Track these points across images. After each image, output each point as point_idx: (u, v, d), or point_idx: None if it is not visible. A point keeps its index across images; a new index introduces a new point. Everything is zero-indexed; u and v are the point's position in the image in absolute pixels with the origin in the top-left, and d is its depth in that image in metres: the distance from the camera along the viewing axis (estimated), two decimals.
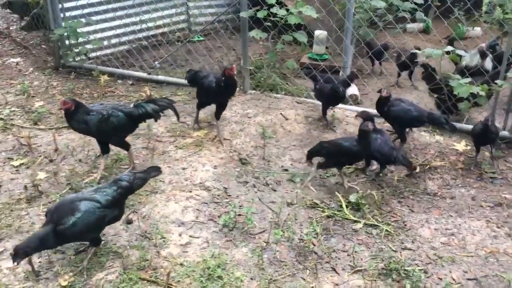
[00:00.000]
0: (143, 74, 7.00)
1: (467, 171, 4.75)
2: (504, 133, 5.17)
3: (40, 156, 4.94)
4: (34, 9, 7.96)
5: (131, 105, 4.66)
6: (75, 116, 4.29)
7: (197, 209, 4.17)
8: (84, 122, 4.30)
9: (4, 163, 4.83)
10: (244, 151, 5.02)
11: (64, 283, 3.33)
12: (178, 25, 8.70)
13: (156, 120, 4.71)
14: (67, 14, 7.21)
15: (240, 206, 4.17)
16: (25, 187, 4.36)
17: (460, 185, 4.55)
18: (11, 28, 9.42)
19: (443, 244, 3.81)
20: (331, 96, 5.42)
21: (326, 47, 7.75)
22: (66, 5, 7.21)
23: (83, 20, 7.06)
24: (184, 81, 6.73)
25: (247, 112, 5.78)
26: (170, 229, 3.92)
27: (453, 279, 3.46)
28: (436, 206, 4.26)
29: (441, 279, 3.46)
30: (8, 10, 9.61)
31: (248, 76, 6.33)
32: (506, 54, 5.12)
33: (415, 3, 7.19)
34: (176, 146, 5.12)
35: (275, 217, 4.07)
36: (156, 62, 7.11)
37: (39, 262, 3.56)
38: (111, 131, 4.42)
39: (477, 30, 9.28)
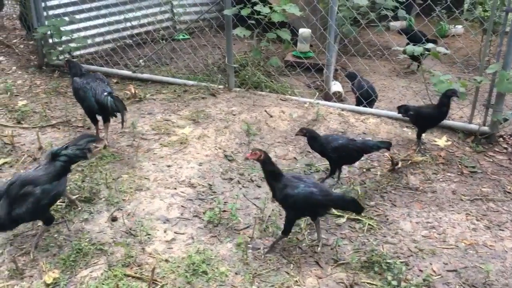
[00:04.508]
0: (128, 73, 6.99)
1: (448, 165, 4.84)
2: (484, 128, 5.27)
3: (24, 155, 4.91)
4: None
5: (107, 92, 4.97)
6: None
7: (182, 206, 4.19)
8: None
9: None
10: (229, 148, 5.05)
11: (48, 281, 3.33)
12: (163, 24, 8.72)
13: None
14: (50, 12, 7.17)
15: (225, 203, 4.20)
16: None
17: (441, 180, 4.64)
18: None
19: (424, 237, 3.89)
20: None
21: (310, 45, 7.82)
22: (49, 3, 7.19)
23: (66, 18, 7.03)
24: (169, 79, 6.75)
25: (232, 109, 5.80)
26: (155, 225, 3.94)
27: (434, 271, 3.54)
28: (418, 200, 4.34)
29: (421, 271, 3.53)
30: None
31: (233, 74, 6.36)
32: (484, 51, 5.22)
33: (397, 1, 7.30)
34: (161, 144, 5.13)
35: (259, 212, 4.12)
36: (141, 61, 7.11)
37: (23, 260, 3.55)
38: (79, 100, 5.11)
39: (459, 28, 9.45)
